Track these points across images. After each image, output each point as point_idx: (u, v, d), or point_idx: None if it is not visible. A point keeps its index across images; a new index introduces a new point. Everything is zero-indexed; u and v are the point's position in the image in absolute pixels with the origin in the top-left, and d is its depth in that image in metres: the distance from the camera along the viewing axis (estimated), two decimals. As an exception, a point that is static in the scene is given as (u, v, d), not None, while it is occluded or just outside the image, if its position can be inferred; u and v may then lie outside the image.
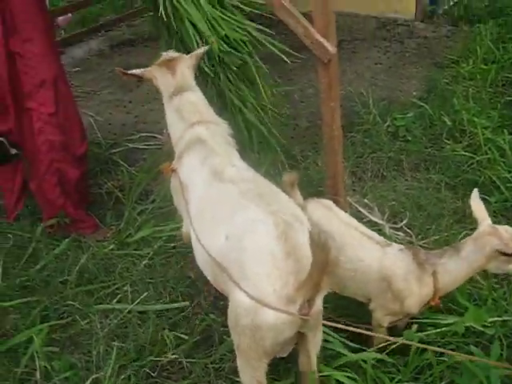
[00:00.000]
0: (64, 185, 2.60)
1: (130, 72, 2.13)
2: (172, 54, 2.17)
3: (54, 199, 2.61)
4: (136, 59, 4.81)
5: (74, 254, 2.54)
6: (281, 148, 2.90)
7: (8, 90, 2.41)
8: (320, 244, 1.35)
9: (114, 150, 3.36)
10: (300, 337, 1.57)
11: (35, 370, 1.96)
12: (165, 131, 2.51)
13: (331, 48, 2.20)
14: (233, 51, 2.54)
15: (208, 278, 1.75)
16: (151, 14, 2.74)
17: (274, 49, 2.60)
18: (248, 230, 1.54)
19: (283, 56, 2.57)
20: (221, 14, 2.48)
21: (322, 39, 2.19)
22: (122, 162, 3.15)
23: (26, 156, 2.57)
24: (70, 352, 2.09)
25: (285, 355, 1.68)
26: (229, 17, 2.51)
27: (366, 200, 2.80)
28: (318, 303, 1.50)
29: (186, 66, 2.13)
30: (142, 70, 2.15)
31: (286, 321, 1.44)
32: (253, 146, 2.79)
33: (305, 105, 3.95)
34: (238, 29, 2.54)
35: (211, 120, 2.03)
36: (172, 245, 2.58)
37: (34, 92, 2.41)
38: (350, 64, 4.51)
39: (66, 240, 2.62)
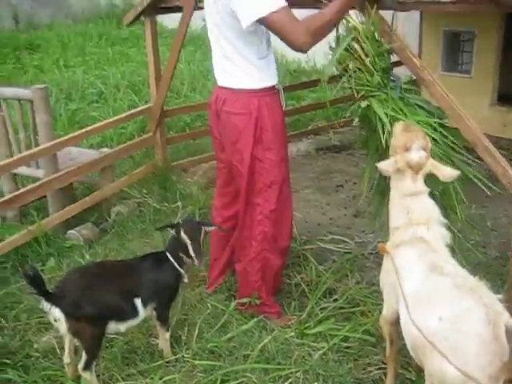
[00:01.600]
0: (265, 271, 2.98)
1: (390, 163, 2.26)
2: (420, 156, 2.23)
3: (254, 282, 2.99)
4: (337, 165, 5.23)
5: (258, 334, 2.85)
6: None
7: (244, 186, 2.89)
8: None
9: (307, 247, 3.69)
10: None
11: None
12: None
13: (527, 189, 2.34)
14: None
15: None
16: (360, 126, 2.94)
17: (473, 178, 2.67)
18: (462, 315, 1.87)
19: (481, 185, 2.66)
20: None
21: (519, 180, 2.35)
22: (312, 259, 3.47)
23: (240, 241, 3.01)
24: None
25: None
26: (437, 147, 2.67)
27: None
28: None
29: (425, 172, 2.25)
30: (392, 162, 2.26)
31: None
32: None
33: (496, 234, 3.94)
34: (442, 156, 2.67)
35: (434, 222, 2.22)
36: (346, 345, 2.78)
37: (263, 190, 2.86)
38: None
39: (254, 319, 2.96)
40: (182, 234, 2.70)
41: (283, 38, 2.48)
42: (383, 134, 2.55)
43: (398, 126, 2.35)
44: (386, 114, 2.56)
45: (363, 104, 2.65)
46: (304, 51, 2.53)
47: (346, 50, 2.67)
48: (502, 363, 1.74)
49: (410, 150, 2.22)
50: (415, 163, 2.21)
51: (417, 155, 2.21)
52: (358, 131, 2.83)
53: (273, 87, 2.82)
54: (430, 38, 6.13)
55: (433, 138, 2.61)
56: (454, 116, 2.47)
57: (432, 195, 2.72)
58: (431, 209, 2.24)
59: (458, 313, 1.87)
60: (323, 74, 2.81)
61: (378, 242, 2.40)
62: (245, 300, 3.03)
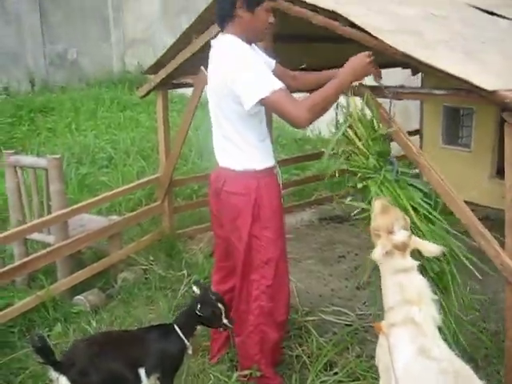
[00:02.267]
0: (263, 344, 3.04)
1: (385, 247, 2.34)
2: (403, 237, 2.34)
3: (253, 355, 3.05)
4: (340, 235, 5.34)
5: (259, 406, 2.91)
6: (460, 351, 3.02)
7: (241, 263, 3.00)
8: None
9: (309, 318, 3.75)
10: None
11: None
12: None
13: (519, 268, 2.44)
14: (434, 259, 2.72)
15: None
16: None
17: (468, 265, 2.71)
18: None
19: (474, 271, 2.72)
20: (426, 227, 2.72)
21: (511, 263, 2.45)
22: (313, 331, 3.54)
23: (238, 315, 3.08)
24: None
25: None
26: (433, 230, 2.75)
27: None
28: None
29: (411, 249, 2.36)
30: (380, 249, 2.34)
31: None
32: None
33: (496, 308, 4.00)
34: (437, 238, 2.73)
35: (426, 301, 2.30)
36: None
37: (260, 267, 2.96)
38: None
39: (255, 392, 3.02)
40: (214, 300, 2.83)
41: (284, 116, 2.63)
42: None
43: (377, 207, 2.46)
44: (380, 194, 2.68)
45: (359, 185, 2.78)
46: (303, 128, 2.72)
47: (342, 133, 2.82)
48: None
49: (392, 232, 2.34)
50: (401, 244, 2.33)
51: (401, 236, 2.33)
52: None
53: (271, 167, 2.95)
54: (430, 112, 6.35)
55: (426, 219, 2.74)
56: (449, 201, 2.59)
57: (428, 276, 2.82)
58: (422, 285, 2.33)
59: None
60: (327, 148, 2.92)
61: (374, 322, 2.49)
62: (246, 372, 3.09)
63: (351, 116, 2.78)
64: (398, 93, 2.75)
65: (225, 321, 2.85)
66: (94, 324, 3.72)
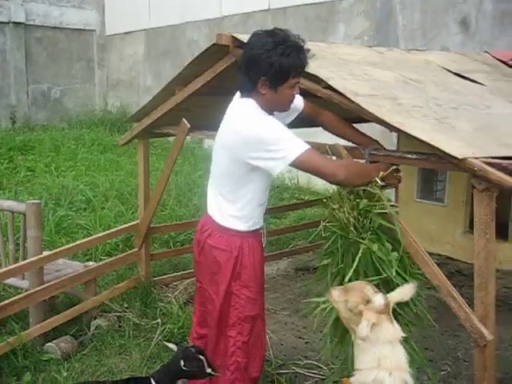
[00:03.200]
0: None
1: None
2: (382, 298, 2.36)
3: None
4: (315, 287, 5.36)
5: None
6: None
7: (216, 317, 3.01)
8: None
9: (281, 371, 3.76)
10: None
11: None
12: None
13: (488, 335, 2.49)
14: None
15: None
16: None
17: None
18: None
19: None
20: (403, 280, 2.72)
21: (480, 325, 2.51)
22: (285, 384, 3.55)
23: (216, 367, 3.08)
24: None
25: None
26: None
27: None
28: None
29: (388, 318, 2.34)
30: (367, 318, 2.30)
31: None
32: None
33: (468, 364, 4.02)
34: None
35: (401, 369, 2.30)
36: None
37: (237, 324, 2.97)
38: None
39: None
40: (195, 353, 2.85)
41: (317, 174, 2.61)
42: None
43: (334, 294, 2.48)
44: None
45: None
46: (340, 182, 2.68)
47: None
48: None
49: (370, 300, 2.35)
50: (385, 305, 2.35)
51: (379, 298, 2.35)
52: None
53: (254, 230, 2.97)
54: (406, 168, 6.45)
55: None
56: (420, 261, 2.66)
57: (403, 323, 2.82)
58: (402, 357, 2.34)
59: None
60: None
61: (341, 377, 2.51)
62: None
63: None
64: (373, 155, 2.84)
65: (208, 370, 2.86)
66: (65, 374, 3.67)
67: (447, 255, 5.87)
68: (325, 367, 3.89)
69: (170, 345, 2.97)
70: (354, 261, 2.73)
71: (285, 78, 2.64)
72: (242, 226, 2.90)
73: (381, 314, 2.34)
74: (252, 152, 2.64)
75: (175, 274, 5.17)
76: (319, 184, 7.89)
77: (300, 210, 6.97)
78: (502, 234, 5.65)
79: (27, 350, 3.87)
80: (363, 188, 2.70)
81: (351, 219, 2.72)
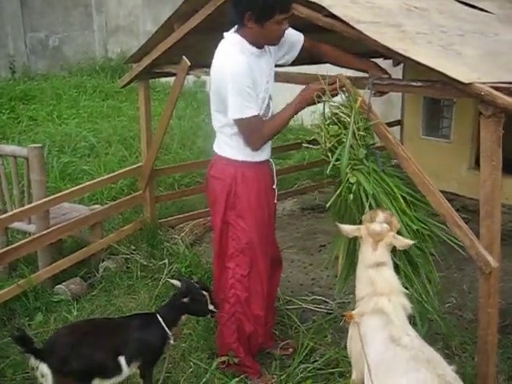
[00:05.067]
0: (240, 333, 3.09)
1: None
2: (381, 227, 2.44)
3: (230, 343, 3.10)
4: (321, 225, 5.37)
5: (238, 392, 2.95)
6: (435, 339, 3.08)
7: (217, 249, 3.07)
8: None
9: (289, 307, 3.82)
10: None
11: None
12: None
13: (493, 262, 2.49)
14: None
15: None
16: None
17: (451, 243, 2.73)
18: None
19: (459, 250, 2.70)
20: (413, 213, 2.77)
21: (485, 253, 2.50)
22: (294, 318, 3.61)
23: (218, 304, 3.12)
24: None
25: None
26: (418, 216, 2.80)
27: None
28: None
29: (387, 243, 2.44)
30: (355, 228, 2.49)
31: None
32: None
33: (472, 296, 4.06)
34: (418, 222, 2.79)
35: (396, 293, 2.37)
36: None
37: (235, 255, 3.00)
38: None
39: (235, 379, 3.05)
40: (199, 288, 2.91)
41: (244, 140, 2.87)
42: (368, 205, 2.69)
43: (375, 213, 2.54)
44: (371, 186, 2.70)
45: (352, 179, 2.74)
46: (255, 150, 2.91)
47: (336, 124, 2.78)
48: None
49: (374, 221, 2.45)
50: (375, 233, 2.41)
51: (378, 226, 2.43)
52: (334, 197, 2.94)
53: (254, 162, 2.95)
54: (411, 104, 6.41)
55: (413, 206, 2.79)
56: (426, 190, 2.63)
57: (408, 261, 2.86)
58: (392, 280, 2.40)
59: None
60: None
61: (343, 314, 2.57)
62: (224, 359, 3.13)
63: (346, 106, 2.76)
64: (376, 84, 2.77)
65: (211, 307, 2.91)
66: (75, 313, 3.73)
67: (453, 192, 5.84)
68: (331, 302, 3.94)
69: (174, 281, 3.00)
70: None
71: (270, 14, 2.65)
72: (235, 155, 2.93)
73: (370, 237, 2.42)
74: (225, 84, 2.73)
75: (180, 215, 5.17)
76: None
77: (304, 150, 6.88)
78: (509, 169, 5.60)
79: (38, 292, 3.93)
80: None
81: (328, 144, 2.76)
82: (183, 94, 9.96)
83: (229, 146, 2.93)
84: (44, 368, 2.54)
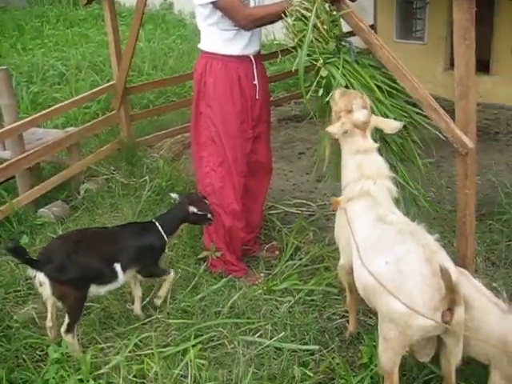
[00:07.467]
0: (217, 226, 3.18)
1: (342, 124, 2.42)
2: (364, 115, 2.42)
3: (211, 234, 3.24)
4: (299, 134, 5.39)
5: (228, 292, 3.03)
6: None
7: (193, 138, 3.24)
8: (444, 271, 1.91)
9: (272, 212, 3.87)
10: (442, 345, 2.11)
11: (186, 376, 2.45)
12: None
13: (469, 143, 2.52)
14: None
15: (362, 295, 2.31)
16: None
17: (433, 130, 2.70)
18: (404, 257, 2.08)
19: (441, 136, 2.64)
20: (390, 102, 2.74)
21: (461, 134, 2.53)
22: (278, 223, 3.68)
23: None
24: (215, 368, 2.53)
25: (427, 360, 2.21)
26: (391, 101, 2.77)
27: (495, 284, 2.96)
28: (459, 314, 1.98)
29: (371, 129, 2.46)
30: (339, 125, 2.42)
31: (432, 324, 1.98)
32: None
33: (450, 190, 4.16)
34: (399, 111, 2.77)
35: (383, 176, 2.40)
36: (311, 298, 2.97)
37: (208, 144, 3.11)
38: (501, 156, 4.67)
39: (223, 280, 3.13)
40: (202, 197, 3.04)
41: (231, 19, 2.90)
42: None
43: (336, 93, 2.52)
44: (344, 77, 2.68)
45: (324, 73, 2.71)
46: (244, 29, 2.94)
47: (301, 20, 2.76)
48: (440, 296, 1.96)
49: (352, 110, 2.41)
50: (361, 122, 2.41)
51: (360, 114, 2.41)
52: (317, 101, 2.91)
53: (223, 55, 3.00)
54: (384, 6, 6.30)
55: (389, 95, 2.76)
56: (400, 77, 2.62)
57: (391, 150, 2.85)
58: (380, 164, 2.43)
59: (401, 255, 2.08)
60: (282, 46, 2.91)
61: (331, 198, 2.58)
62: (205, 254, 3.26)
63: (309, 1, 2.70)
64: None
65: (209, 215, 2.99)
66: (61, 233, 3.74)
67: (428, 93, 5.83)
68: (313, 204, 3.99)
69: (173, 195, 3.07)
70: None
71: None
72: (207, 47, 3.05)
73: (356, 128, 2.41)
74: None
75: (158, 133, 5.12)
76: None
77: (279, 64, 6.73)
78: (483, 67, 5.60)
79: (21, 217, 3.92)
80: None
81: (296, 40, 2.74)
82: (151, 17, 9.69)
83: (205, 40, 3.05)
84: (41, 277, 2.56)
